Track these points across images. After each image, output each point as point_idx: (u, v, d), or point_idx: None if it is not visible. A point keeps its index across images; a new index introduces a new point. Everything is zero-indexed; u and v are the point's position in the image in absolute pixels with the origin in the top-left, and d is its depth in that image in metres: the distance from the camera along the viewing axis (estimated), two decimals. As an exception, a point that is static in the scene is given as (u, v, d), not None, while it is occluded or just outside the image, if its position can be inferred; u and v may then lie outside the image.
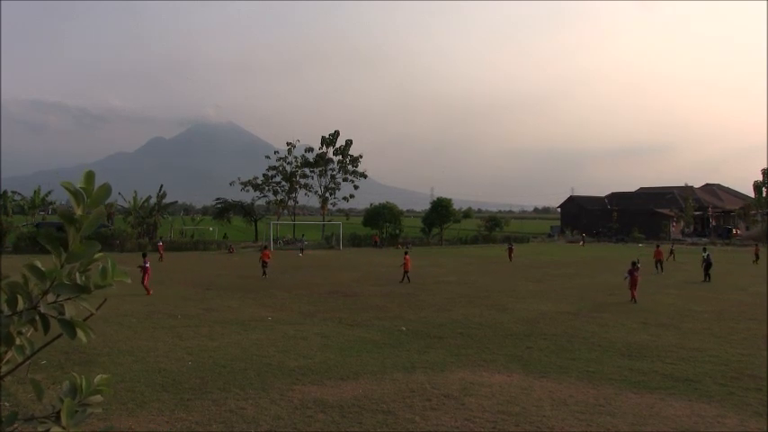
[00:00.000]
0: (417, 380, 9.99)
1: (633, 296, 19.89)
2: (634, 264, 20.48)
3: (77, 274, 1.32)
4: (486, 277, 28.51)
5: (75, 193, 1.29)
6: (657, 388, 9.68)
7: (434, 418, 8.05)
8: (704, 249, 29.84)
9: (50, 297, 1.30)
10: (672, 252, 41.47)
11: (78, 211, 1.28)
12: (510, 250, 42.36)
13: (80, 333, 1.30)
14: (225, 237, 60.53)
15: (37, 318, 1.28)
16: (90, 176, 1.33)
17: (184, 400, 8.79)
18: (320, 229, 63.31)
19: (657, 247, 35.67)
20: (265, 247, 32.12)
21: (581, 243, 67.08)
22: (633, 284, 20.01)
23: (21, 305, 1.27)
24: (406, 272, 25.41)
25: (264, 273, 27.77)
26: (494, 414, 8.25)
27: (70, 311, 1.31)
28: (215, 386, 9.49)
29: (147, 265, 21.07)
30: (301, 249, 48.37)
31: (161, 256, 39.49)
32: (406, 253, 26.57)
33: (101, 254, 1.36)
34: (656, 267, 32.08)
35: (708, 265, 27.66)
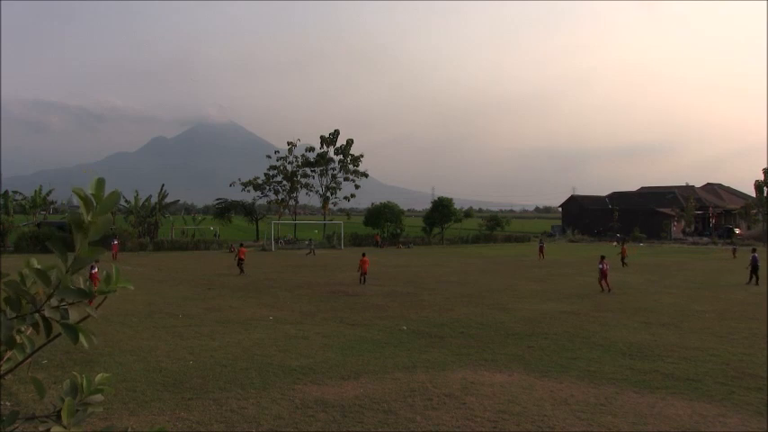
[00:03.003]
0: (418, 379, 9.99)
1: (608, 286, 22.19)
2: (602, 258, 22.92)
3: (81, 279, 1.32)
4: (488, 277, 28.50)
5: (85, 200, 1.29)
6: (658, 387, 9.67)
7: (435, 418, 8.05)
8: (754, 250, 27.53)
9: (54, 302, 1.30)
10: (734, 251, 43.90)
11: (88, 218, 1.28)
12: (541, 248, 42.59)
13: (82, 338, 1.30)
14: (216, 236, 60.11)
15: (40, 321, 1.28)
16: (100, 183, 1.33)
17: (185, 399, 8.80)
18: (321, 229, 63.31)
19: (623, 244, 37.90)
20: (241, 245, 32.37)
21: (614, 244, 62.95)
22: (604, 276, 22.34)
23: (24, 309, 1.27)
24: (363, 273, 24.27)
25: (241, 270, 28.15)
26: (495, 413, 8.25)
27: (74, 317, 1.31)
28: (216, 385, 9.50)
29: (95, 270, 17.61)
30: (313, 250, 48.26)
31: (114, 255, 37.28)
32: (363, 254, 25.42)
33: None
34: (622, 263, 34.01)
35: (754, 267, 25.56)
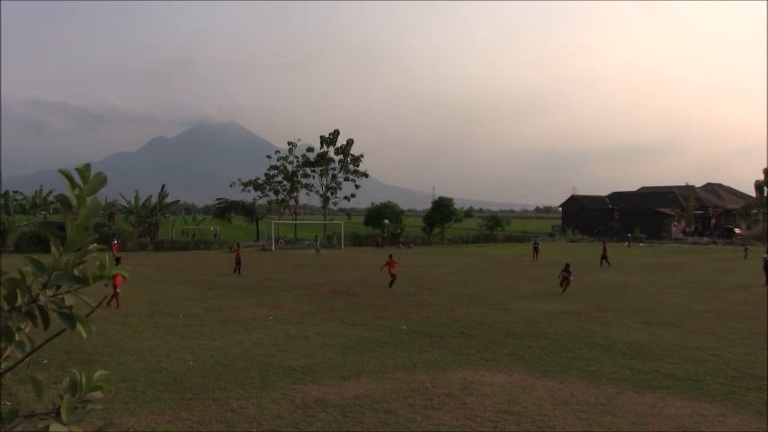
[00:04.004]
0: (418, 379, 9.98)
1: (566, 287, 22.01)
2: (567, 265, 22.62)
3: (74, 269, 1.32)
4: (488, 277, 28.49)
5: (69, 176, 1.29)
6: (659, 387, 9.67)
7: (436, 418, 8.04)
8: (767, 251, 26.78)
9: (49, 293, 1.30)
10: (746, 251, 44.41)
11: (75, 193, 1.27)
12: (535, 249, 42.16)
13: (80, 326, 1.30)
14: (216, 236, 60.35)
15: (36, 312, 1.28)
16: (86, 166, 1.33)
17: (186, 399, 8.80)
18: (322, 229, 63.32)
19: (604, 243, 38.59)
20: (238, 245, 32.53)
21: (626, 244, 62.82)
22: (565, 282, 21.98)
23: (20, 300, 1.26)
24: (393, 275, 23.23)
25: (237, 270, 28.28)
26: (495, 413, 8.24)
27: (70, 302, 1.30)
28: (216, 385, 9.50)
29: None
30: (318, 249, 48.15)
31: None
32: (390, 256, 24.49)
33: (96, 245, 1.35)
34: (601, 262, 34.45)
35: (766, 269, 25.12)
